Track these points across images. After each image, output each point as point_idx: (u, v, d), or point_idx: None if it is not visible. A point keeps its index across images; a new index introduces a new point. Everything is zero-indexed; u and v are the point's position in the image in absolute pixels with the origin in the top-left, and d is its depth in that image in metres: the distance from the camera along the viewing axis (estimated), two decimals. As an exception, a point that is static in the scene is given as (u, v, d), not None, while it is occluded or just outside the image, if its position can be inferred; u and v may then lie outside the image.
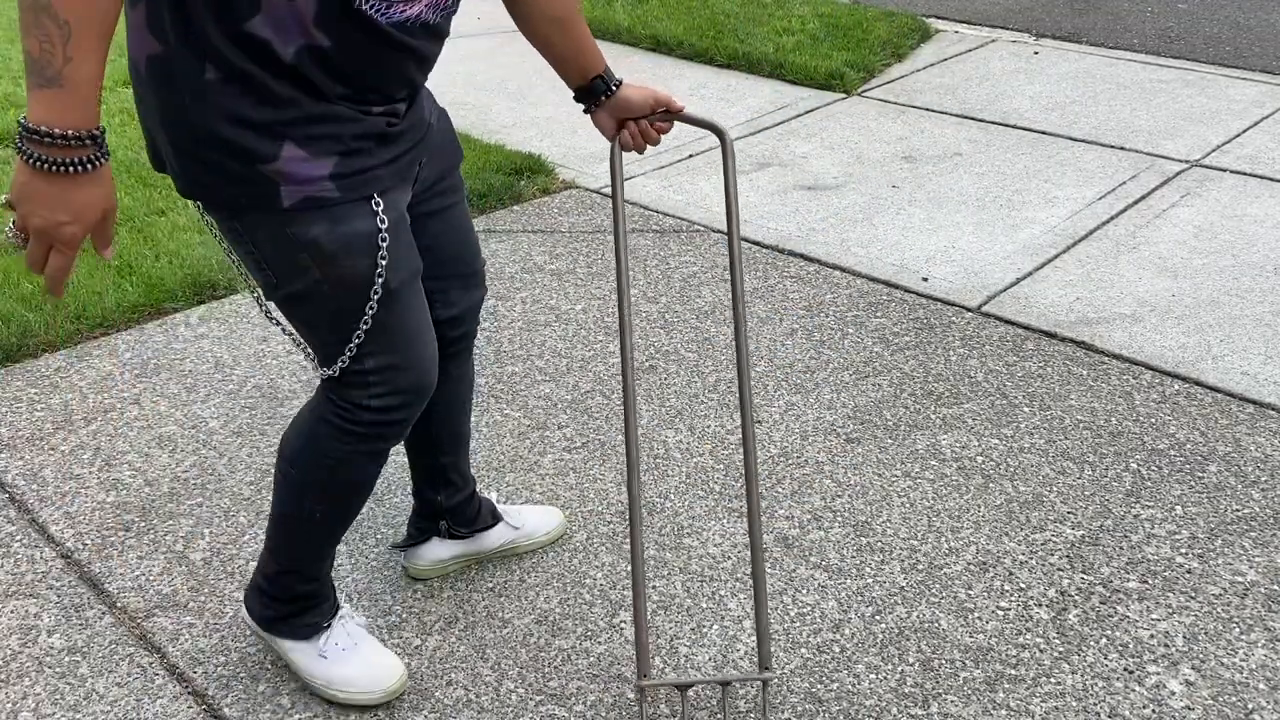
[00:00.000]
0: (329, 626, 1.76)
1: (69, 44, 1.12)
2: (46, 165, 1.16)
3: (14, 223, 1.20)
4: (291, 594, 1.72)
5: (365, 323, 1.48)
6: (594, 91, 1.65)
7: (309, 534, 1.67)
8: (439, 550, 2.00)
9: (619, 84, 1.66)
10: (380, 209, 1.45)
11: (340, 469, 1.59)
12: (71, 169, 1.17)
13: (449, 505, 1.94)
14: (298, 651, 1.75)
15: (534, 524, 2.08)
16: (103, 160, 1.20)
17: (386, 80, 1.43)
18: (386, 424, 1.56)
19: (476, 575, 2.04)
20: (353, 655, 1.74)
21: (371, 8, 1.34)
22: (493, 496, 2.07)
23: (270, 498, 2.20)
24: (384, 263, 1.46)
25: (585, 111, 1.69)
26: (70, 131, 1.16)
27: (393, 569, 2.05)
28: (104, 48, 1.16)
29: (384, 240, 1.46)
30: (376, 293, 1.47)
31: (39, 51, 1.13)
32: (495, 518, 2.01)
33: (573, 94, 1.68)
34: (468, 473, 1.95)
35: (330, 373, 1.53)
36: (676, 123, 1.75)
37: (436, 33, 1.46)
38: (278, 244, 1.43)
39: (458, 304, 1.74)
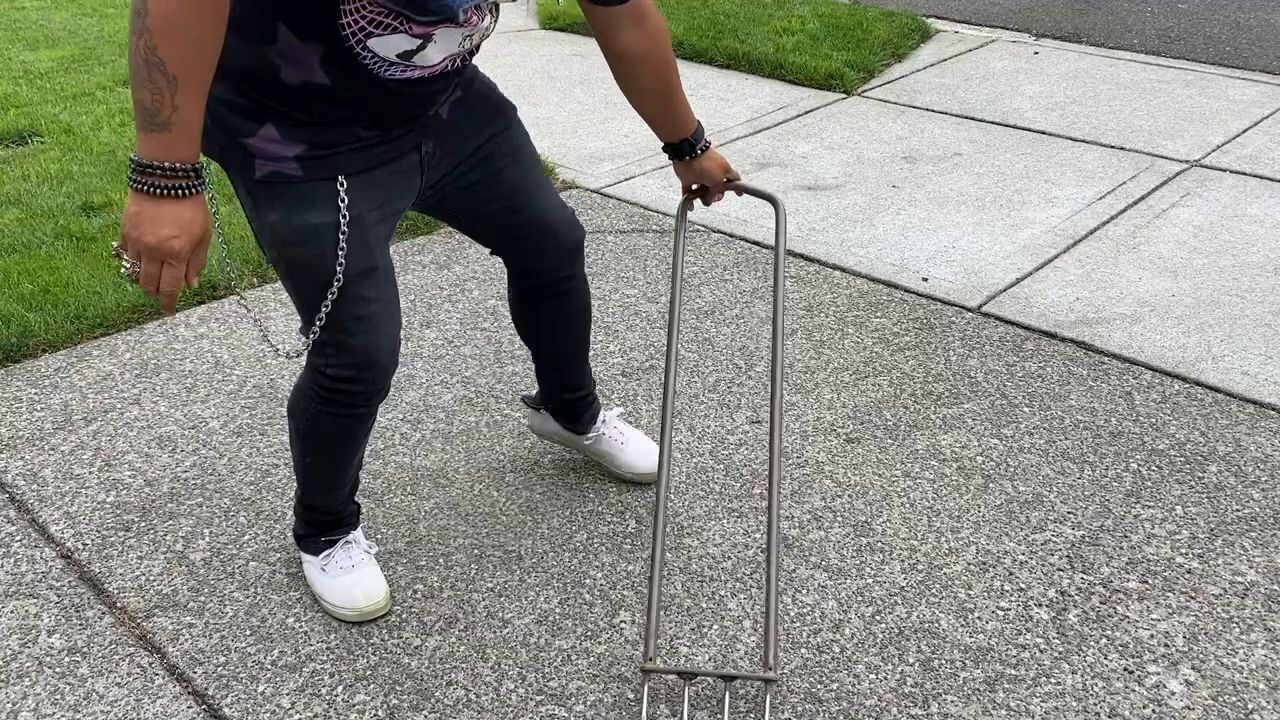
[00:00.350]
0: (335, 546, 1.96)
1: (176, 95, 1.29)
2: (155, 190, 1.34)
3: (128, 261, 1.39)
4: (313, 520, 1.96)
5: (323, 304, 1.63)
6: (680, 151, 1.87)
7: (308, 476, 1.89)
8: (547, 423, 2.26)
9: (705, 148, 1.87)
10: (345, 203, 1.58)
11: (315, 423, 1.79)
12: (177, 193, 1.35)
13: (551, 399, 2.19)
14: (308, 563, 1.99)
15: (629, 455, 2.23)
16: (200, 188, 1.38)
17: (384, 117, 1.58)
18: (343, 391, 1.72)
19: (476, 575, 2.04)
20: (346, 575, 1.93)
21: (375, 65, 1.48)
22: (614, 413, 2.26)
23: (270, 497, 2.24)
24: (342, 253, 1.60)
25: (670, 158, 1.91)
26: (177, 165, 1.34)
27: (392, 569, 2.05)
28: (204, 94, 1.33)
29: (343, 234, 1.59)
30: (336, 279, 1.61)
31: (150, 101, 1.30)
32: (593, 427, 2.21)
33: (661, 145, 1.88)
34: (574, 384, 2.16)
35: (304, 335, 1.69)
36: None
37: (444, 77, 1.59)
38: (254, 218, 1.62)
39: (546, 254, 1.92)
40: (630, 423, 2.45)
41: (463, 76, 1.70)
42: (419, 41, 1.46)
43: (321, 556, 1.96)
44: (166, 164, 1.33)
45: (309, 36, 1.43)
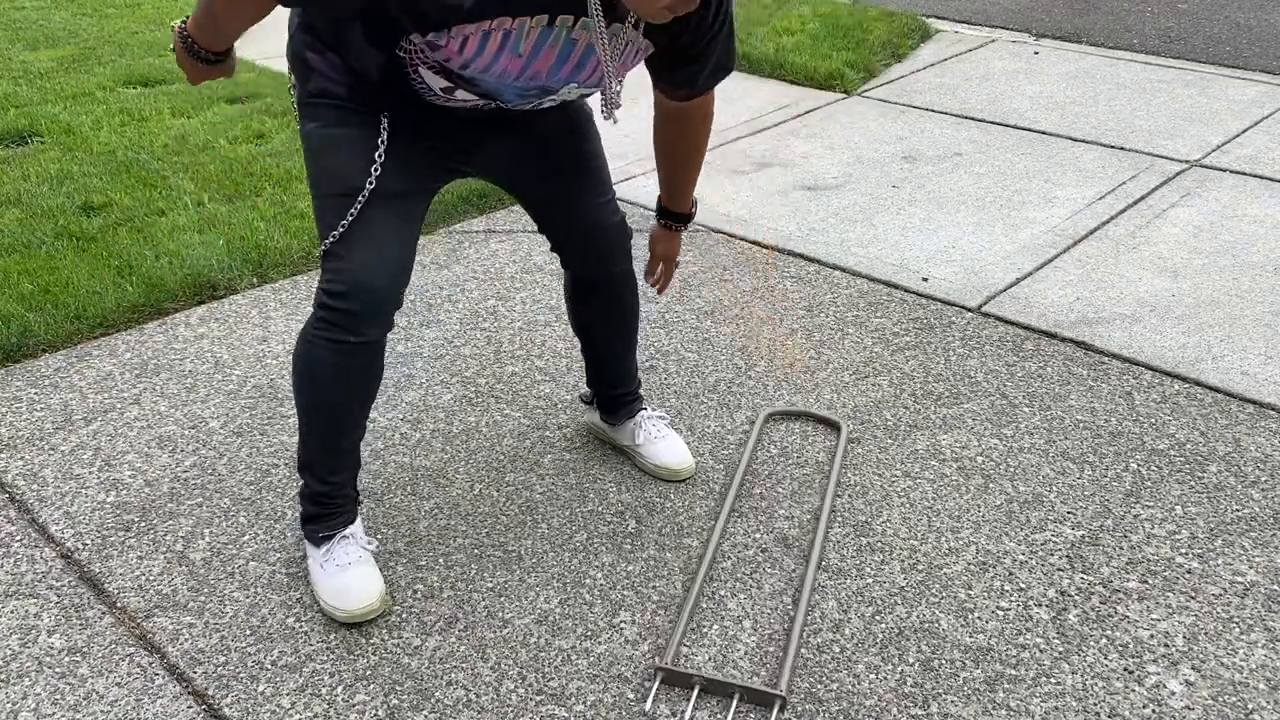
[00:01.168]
0: (334, 540, 1.96)
1: (215, 23, 1.60)
2: (189, 51, 1.66)
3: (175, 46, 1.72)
4: (311, 492, 1.95)
5: (338, 218, 1.71)
6: (658, 212, 2.08)
7: (303, 424, 1.89)
8: (592, 415, 2.41)
9: (669, 226, 2.09)
10: (385, 130, 1.71)
11: (309, 351, 1.80)
12: (201, 59, 1.67)
13: (595, 390, 2.33)
14: (310, 557, 1.99)
15: (658, 449, 2.29)
16: (217, 62, 1.68)
17: (432, 127, 1.75)
18: (334, 310, 1.73)
19: (476, 575, 2.04)
20: (343, 573, 1.93)
21: (422, 89, 1.66)
22: (655, 412, 2.35)
23: (270, 497, 2.24)
24: (379, 157, 1.71)
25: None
26: (202, 50, 1.66)
27: (392, 569, 2.05)
28: (235, 35, 1.62)
29: (380, 156, 1.71)
30: (360, 196, 1.70)
31: (203, 15, 1.59)
32: (628, 420, 2.31)
33: (656, 207, 2.09)
34: (616, 380, 2.28)
35: (319, 249, 1.78)
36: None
37: (499, 113, 1.77)
38: (300, 130, 1.77)
39: (586, 252, 2.06)
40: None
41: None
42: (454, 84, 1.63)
43: (322, 551, 1.95)
44: (197, 45, 1.65)
45: (374, 43, 1.61)
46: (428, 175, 1.79)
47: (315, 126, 1.72)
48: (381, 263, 1.72)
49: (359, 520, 2.01)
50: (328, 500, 1.95)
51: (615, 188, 3.79)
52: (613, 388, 2.29)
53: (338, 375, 1.80)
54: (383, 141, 1.71)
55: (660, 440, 2.30)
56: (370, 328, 1.75)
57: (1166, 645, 1.87)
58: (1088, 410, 2.52)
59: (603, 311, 2.17)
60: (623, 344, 2.24)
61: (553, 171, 1.93)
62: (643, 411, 2.32)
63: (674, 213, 2.06)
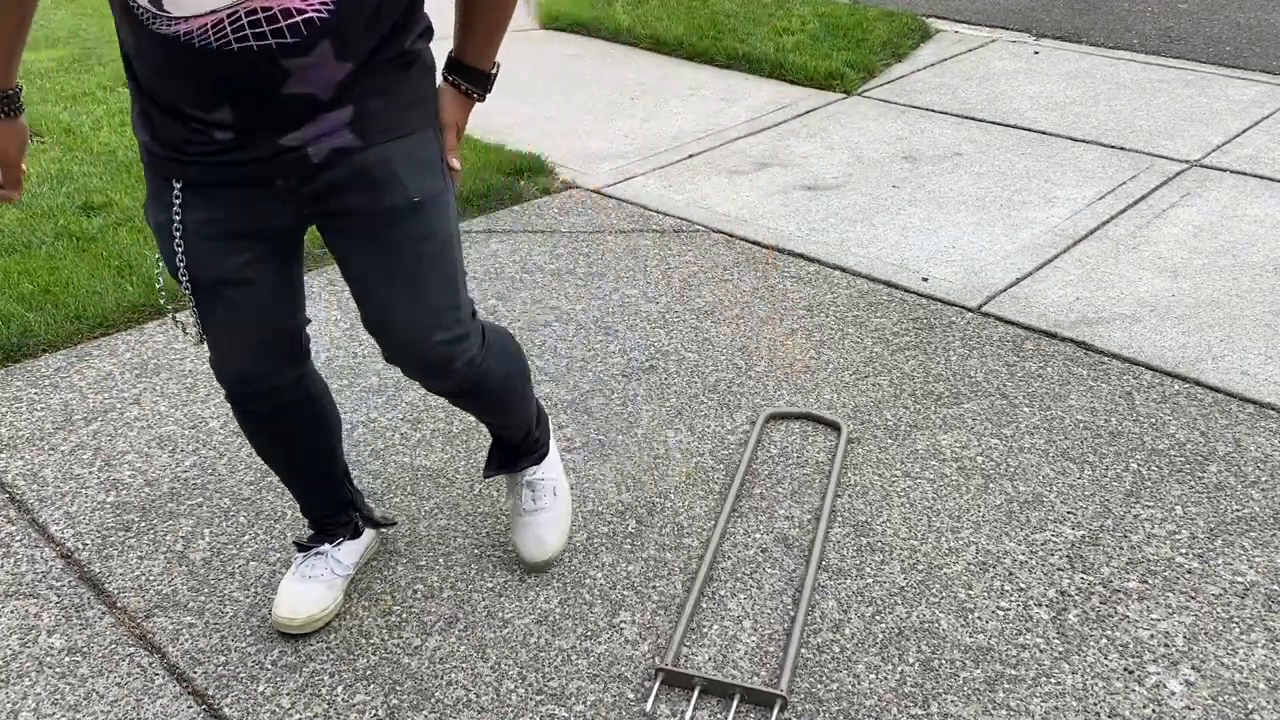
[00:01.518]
0: (310, 553, 1.95)
1: None
2: None
3: None
4: (301, 508, 1.97)
5: (191, 301, 1.62)
6: (447, 67, 1.64)
7: None
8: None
9: (461, 88, 1.63)
10: (179, 208, 1.53)
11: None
12: None
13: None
14: (294, 563, 1.98)
15: (521, 535, 2.05)
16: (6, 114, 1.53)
17: (184, 95, 1.44)
18: (218, 380, 1.74)
19: (476, 575, 2.04)
20: (294, 582, 1.91)
21: (143, 15, 1.39)
22: (542, 476, 2.08)
23: (270, 497, 2.24)
24: (180, 252, 1.56)
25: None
26: None
27: (392, 569, 2.05)
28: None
29: (177, 231, 1.55)
30: (182, 282, 1.59)
31: None
32: (506, 476, 2.11)
33: (447, 64, 1.65)
34: (496, 433, 2.02)
35: None
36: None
37: (248, 59, 1.39)
38: None
39: (403, 366, 1.72)
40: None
41: (302, 68, 1.43)
42: None
43: (297, 559, 1.96)
44: None
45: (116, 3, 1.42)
46: (239, 245, 1.56)
47: (147, 207, 1.59)
48: (227, 352, 1.67)
49: (352, 545, 1.98)
50: (316, 521, 1.96)
51: (615, 187, 3.79)
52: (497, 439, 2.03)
53: (257, 434, 1.81)
54: (176, 220, 1.53)
55: (525, 525, 2.04)
56: (250, 403, 1.75)
57: (1166, 645, 1.87)
58: (1088, 410, 2.52)
59: (462, 401, 1.83)
60: (499, 416, 1.92)
61: (362, 251, 1.60)
62: (528, 473, 2.05)
63: (469, 68, 1.61)
